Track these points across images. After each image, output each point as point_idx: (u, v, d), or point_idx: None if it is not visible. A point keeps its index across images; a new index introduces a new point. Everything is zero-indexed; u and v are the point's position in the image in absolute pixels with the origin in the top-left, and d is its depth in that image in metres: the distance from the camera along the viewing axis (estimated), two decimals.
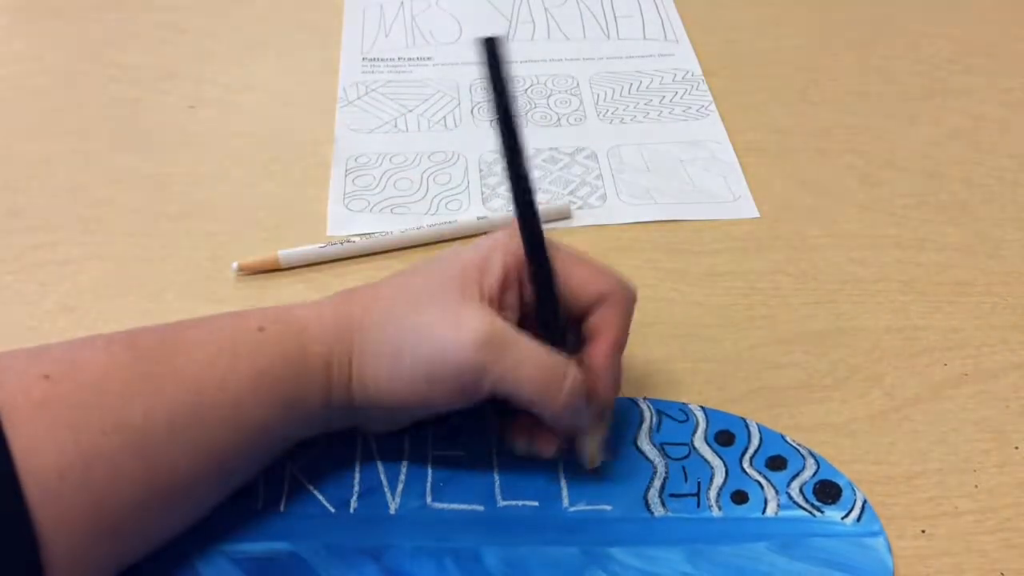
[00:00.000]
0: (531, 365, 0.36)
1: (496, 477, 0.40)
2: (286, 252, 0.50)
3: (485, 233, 0.52)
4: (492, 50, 0.35)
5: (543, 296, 0.38)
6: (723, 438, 0.42)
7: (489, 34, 0.34)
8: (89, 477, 0.31)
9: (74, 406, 0.32)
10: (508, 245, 0.38)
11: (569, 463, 0.41)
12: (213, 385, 0.34)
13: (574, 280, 0.39)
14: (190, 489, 0.35)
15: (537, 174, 0.57)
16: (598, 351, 0.38)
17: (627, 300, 0.40)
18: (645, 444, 0.41)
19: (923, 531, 0.39)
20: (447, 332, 0.36)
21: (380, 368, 0.37)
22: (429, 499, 0.39)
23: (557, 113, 0.62)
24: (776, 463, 0.41)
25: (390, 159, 0.58)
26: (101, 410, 0.32)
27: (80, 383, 0.32)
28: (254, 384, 0.35)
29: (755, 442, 0.41)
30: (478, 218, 0.53)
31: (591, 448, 0.39)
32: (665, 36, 0.70)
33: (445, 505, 0.39)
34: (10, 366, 0.32)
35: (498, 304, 0.38)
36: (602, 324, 0.39)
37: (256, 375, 0.35)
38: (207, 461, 0.35)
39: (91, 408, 0.32)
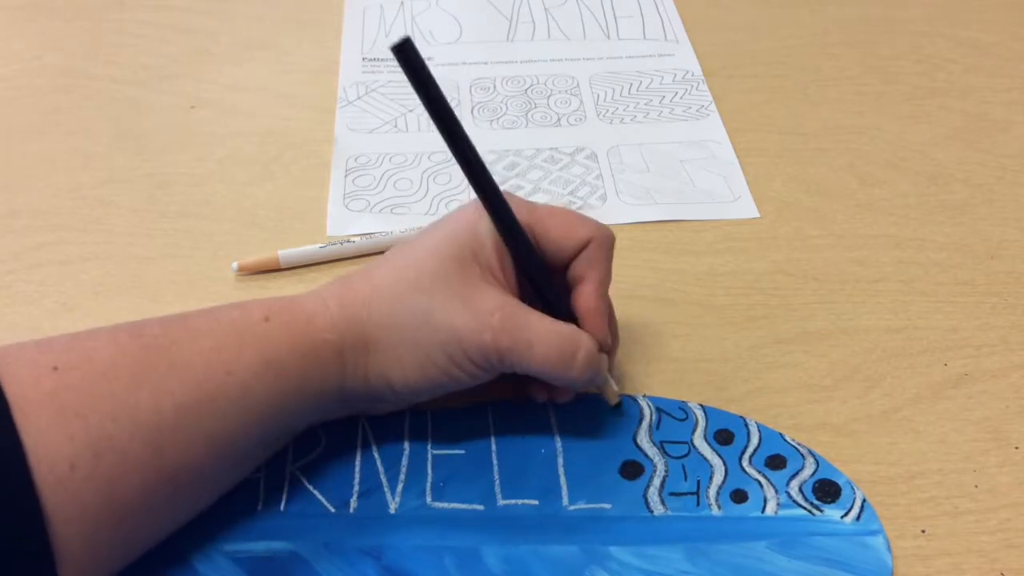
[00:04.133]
0: (545, 343, 0.38)
1: (496, 476, 0.40)
2: (286, 252, 0.50)
3: None
4: (407, 53, 0.35)
5: (526, 261, 0.39)
6: (722, 437, 0.42)
7: (397, 40, 0.35)
8: (99, 466, 0.31)
9: (83, 396, 0.32)
10: (486, 213, 0.39)
11: (569, 462, 0.41)
12: (220, 372, 0.35)
13: (554, 232, 0.40)
14: (200, 475, 0.35)
15: (537, 174, 0.57)
16: (586, 294, 0.40)
17: (608, 241, 0.41)
18: (645, 442, 0.41)
19: (923, 531, 0.39)
20: (464, 319, 0.37)
21: (402, 358, 0.38)
22: (429, 498, 0.39)
23: (557, 113, 0.62)
24: (775, 462, 0.41)
25: (390, 159, 0.58)
26: (110, 399, 0.32)
27: (89, 373, 0.32)
28: (261, 371, 0.35)
29: (754, 441, 0.41)
30: None
31: (608, 392, 0.42)
32: (665, 36, 0.70)
33: (445, 504, 0.39)
34: (18, 357, 0.32)
35: (499, 272, 0.39)
36: (586, 268, 0.40)
37: (263, 363, 0.36)
38: (217, 448, 0.35)
39: (100, 397, 0.32)
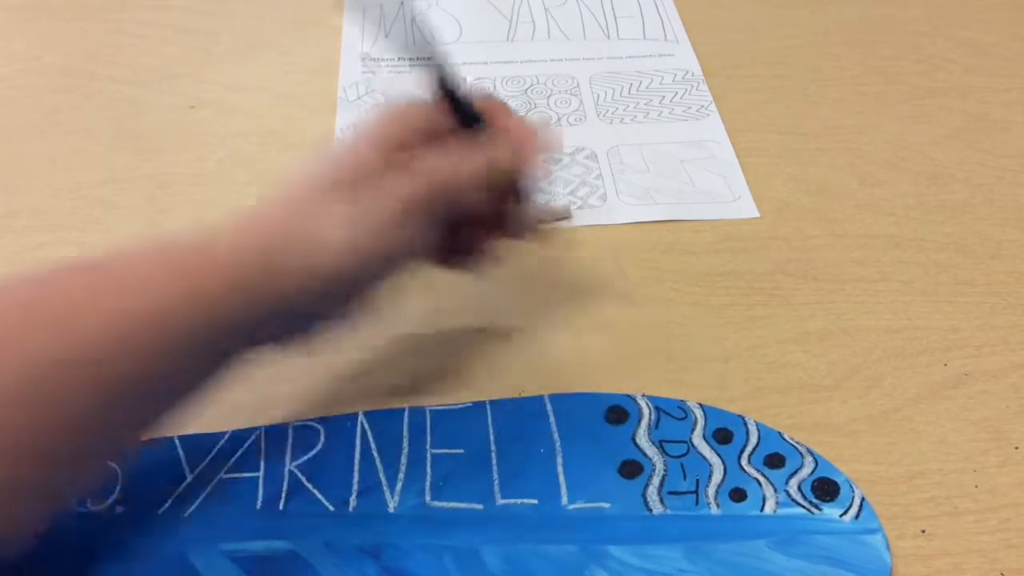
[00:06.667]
0: (474, 150, 0.38)
1: (495, 475, 0.40)
2: None
3: None
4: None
5: (451, 93, 0.39)
6: (721, 436, 0.42)
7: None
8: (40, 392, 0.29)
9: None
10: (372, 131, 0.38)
11: (568, 462, 0.41)
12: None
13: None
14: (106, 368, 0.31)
15: None
16: (498, 114, 0.40)
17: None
18: (644, 442, 0.41)
19: (923, 531, 0.39)
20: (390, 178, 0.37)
21: (323, 230, 0.36)
22: (428, 497, 0.39)
23: (557, 113, 0.62)
24: (774, 461, 0.41)
25: None
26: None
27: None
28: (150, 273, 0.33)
29: (753, 440, 0.41)
30: None
31: (552, 211, 0.43)
32: (665, 36, 0.70)
33: (444, 503, 0.39)
34: None
35: None
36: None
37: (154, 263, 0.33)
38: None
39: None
